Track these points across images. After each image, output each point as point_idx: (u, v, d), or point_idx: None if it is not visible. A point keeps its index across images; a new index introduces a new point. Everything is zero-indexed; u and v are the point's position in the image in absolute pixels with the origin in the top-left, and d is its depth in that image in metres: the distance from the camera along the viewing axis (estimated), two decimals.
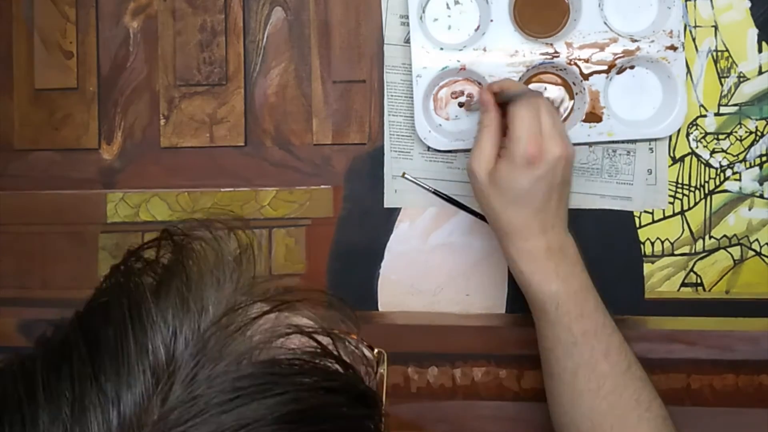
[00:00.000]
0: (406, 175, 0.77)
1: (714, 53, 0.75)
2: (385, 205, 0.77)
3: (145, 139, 0.79)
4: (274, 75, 0.78)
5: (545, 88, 0.75)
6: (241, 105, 0.78)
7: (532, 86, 0.75)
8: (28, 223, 0.80)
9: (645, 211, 0.76)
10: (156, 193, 0.79)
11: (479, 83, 0.75)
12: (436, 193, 0.76)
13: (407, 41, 0.76)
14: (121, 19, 0.79)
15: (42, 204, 0.80)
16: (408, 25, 0.75)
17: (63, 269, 0.80)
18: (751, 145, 0.76)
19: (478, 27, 0.75)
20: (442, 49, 0.74)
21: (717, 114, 0.76)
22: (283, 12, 0.78)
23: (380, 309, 0.77)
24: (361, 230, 0.77)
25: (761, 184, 0.76)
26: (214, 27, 0.78)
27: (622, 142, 0.75)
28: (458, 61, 0.73)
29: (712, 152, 0.76)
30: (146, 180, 0.79)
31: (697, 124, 0.76)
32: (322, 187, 0.78)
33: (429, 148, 0.76)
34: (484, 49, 0.73)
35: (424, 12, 0.75)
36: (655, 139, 0.75)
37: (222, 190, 0.79)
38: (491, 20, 0.73)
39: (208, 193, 0.79)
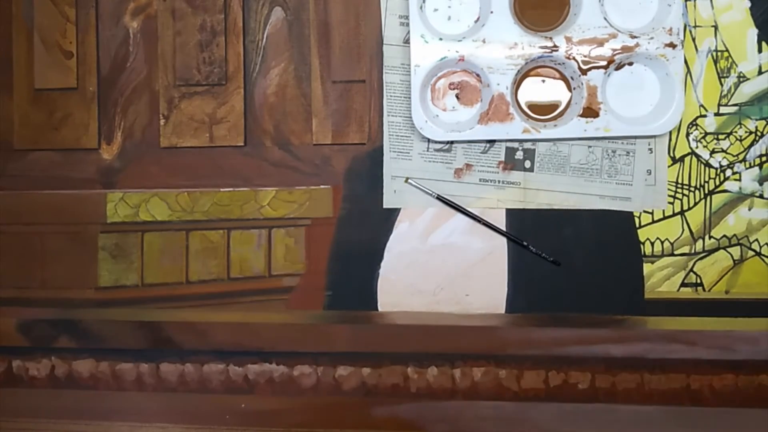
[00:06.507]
0: (409, 181, 0.77)
1: (714, 53, 0.75)
2: (385, 206, 0.77)
3: (144, 139, 0.79)
4: (274, 75, 0.78)
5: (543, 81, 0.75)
6: (241, 105, 0.78)
7: (529, 80, 0.75)
8: (28, 223, 0.80)
9: (645, 211, 0.76)
10: (156, 193, 0.79)
11: (477, 75, 0.75)
12: (440, 198, 0.76)
13: (406, 41, 0.76)
14: (121, 19, 0.79)
15: (42, 204, 0.80)
16: (407, 25, 0.75)
17: (63, 269, 0.80)
18: (751, 145, 0.76)
19: (478, 18, 0.75)
20: (441, 39, 0.74)
21: (717, 114, 0.76)
22: (283, 12, 0.78)
23: (380, 309, 0.77)
24: (361, 230, 0.77)
25: (761, 184, 0.76)
26: (214, 27, 0.78)
27: (619, 139, 0.75)
28: (457, 51, 0.73)
29: (712, 152, 0.76)
30: (146, 180, 0.79)
31: (697, 124, 0.76)
32: (322, 187, 0.78)
33: (428, 147, 0.76)
34: (484, 41, 0.73)
35: (424, 2, 0.75)
36: (652, 137, 0.75)
37: (222, 190, 0.79)
38: (491, 12, 0.73)
39: (207, 193, 0.79)
